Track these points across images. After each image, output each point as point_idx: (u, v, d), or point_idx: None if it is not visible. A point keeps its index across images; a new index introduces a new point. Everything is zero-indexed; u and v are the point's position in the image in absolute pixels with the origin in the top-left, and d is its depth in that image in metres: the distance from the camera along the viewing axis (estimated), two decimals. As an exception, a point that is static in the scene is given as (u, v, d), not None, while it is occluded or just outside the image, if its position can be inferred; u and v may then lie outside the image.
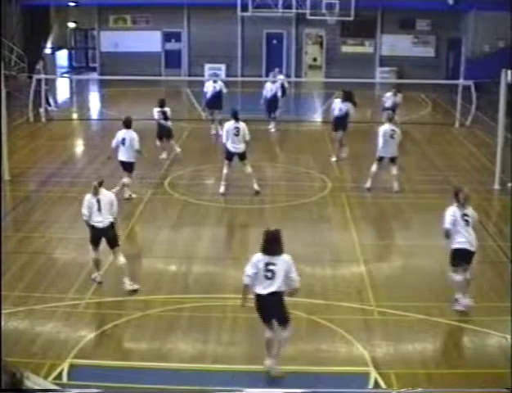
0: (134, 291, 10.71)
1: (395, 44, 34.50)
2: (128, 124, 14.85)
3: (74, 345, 9.13)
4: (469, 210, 10.20)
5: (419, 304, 10.44)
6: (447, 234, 10.14)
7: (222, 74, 33.83)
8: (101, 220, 10.71)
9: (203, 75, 33.63)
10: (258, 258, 8.36)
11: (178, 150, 18.14)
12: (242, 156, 15.34)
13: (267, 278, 8.26)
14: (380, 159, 15.74)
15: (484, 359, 9.08)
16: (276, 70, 23.50)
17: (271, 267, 8.26)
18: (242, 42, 34.93)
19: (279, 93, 21.85)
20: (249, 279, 8.37)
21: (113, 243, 10.89)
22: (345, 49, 35.10)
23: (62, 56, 36.53)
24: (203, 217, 14.41)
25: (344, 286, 11.22)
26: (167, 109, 18.10)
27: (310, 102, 30.14)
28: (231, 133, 15.16)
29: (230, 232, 14.18)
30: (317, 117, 25.70)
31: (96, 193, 10.74)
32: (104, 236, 10.82)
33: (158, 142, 18.01)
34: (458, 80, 26.62)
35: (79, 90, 31.59)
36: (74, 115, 26.60)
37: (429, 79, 28.68)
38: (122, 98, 28.46)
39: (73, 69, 37.46)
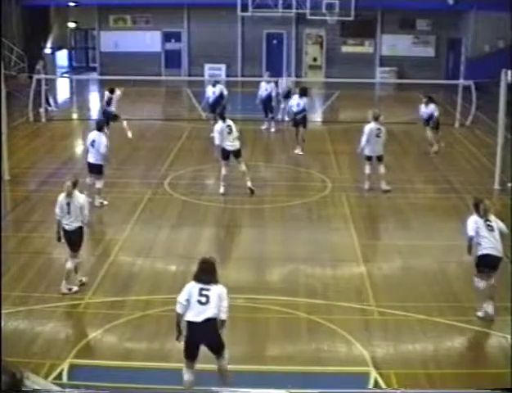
0: (63, 294, 10.54)
1: (395, 44, 34.48)
2: (99, 127, 14.85)
3: (74, 345, 9.14)
4: (492, 218, 10.10)
5: (419, 304, 10.44)
6: (471, 242, 10.03)
7: (223, 74, 33.86)
8: (68, 223, 10.65)
9: (203, 75, 33.64)
10: (192, 285, 7.94)
11: (130, 134, 19.31)
12: (238, 154, 15.34)
13: (201, 304, 7.78)
14: (368, 158, 15.67)
15: (484, 359, 9.09)
16: (268, 73, 23.53)
17: (205, 292, 7.83)
18: (242, 42, 34.91)
19: (273, 93, 21.84)
20: (181, 307, 7.83)
21: (73, 248, 10.75)
22: (345, 49, 35.09)
23: (62, 56, 36.50)
24: (203, 217, 14.41)
25: (344, 286, 11.22)
26: (115, 95, 19.63)
27: (310, 102, 30.10)
28: (224, 133, 15.18)
29: (230, 232, 14.17)
30: (317, 117, 25.69)
31: (68, 195, 10.64)
32: (69, 238, 10.74)
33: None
34: (458, 80, 26.61)
35: (79, 90, 31.58)
36: (74, 115, 26.60)
37: (429, 79, 28.65)
38: (122, 98, 28.39)
39: (73, 69, 37.44)
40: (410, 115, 24.95)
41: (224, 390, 7.35)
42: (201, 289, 7.84)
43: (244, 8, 32.17)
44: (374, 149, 15.56)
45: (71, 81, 33.17)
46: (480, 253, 9.96)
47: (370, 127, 15.56)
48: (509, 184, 15.86)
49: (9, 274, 11.14)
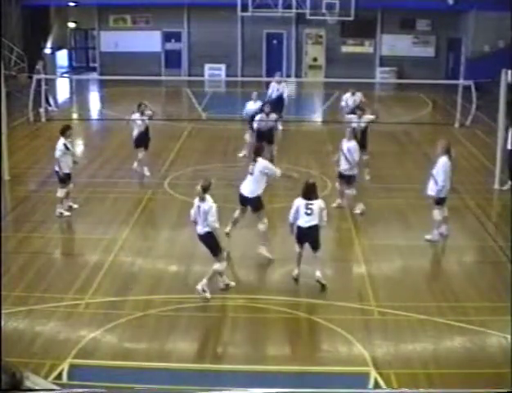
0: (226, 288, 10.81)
1: (395, 44, 34.50)
2: (61, 132, 14.06)
3: (74, 345, 9.14)
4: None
5: (419, 304, 10.45)
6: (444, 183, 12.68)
7: (223, 74, 33.88)
8: (197, 228, 10.72)
9: (203, 75, 33.67)
10: (300, 200, 10.96)
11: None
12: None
13: (307, 215, 10.84)
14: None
15: (484, 359, 9.08)
16: (279, 73, 23.69)
17: (310, 206, 10.86)
18: (242, 42, 34.92)
19: (285, 94, 21.60)
20: (292, 217, 10.98)
21: (211, 252, 10.68)
22: (345, 49, 35.11)
23: (62, 56, 36.51)
24: (203, 217, 14.37)
25: (344, 286, 11.23)
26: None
27: (310, 102, 30.15)
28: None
29: (230, 232, 14.13)
30: (317, 117, 25.70)
31: (201, 199, 10.53)
32: (203, 243, 10.77)
33: None
34: (458, 80, 26.61)
35: (79, 90, 31.58)
36: (74, 115, 26.59)
37: (429, 79, 28.65)
38: (122, 98, 28.45)
39: (73, 69, 37.45)
40: (411, 115, 24.99)
41: (224, 391, 7.35)
42: (307, 204, 10.89)
43: (244, 8, 32.17)
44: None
45: (71, 81, 33.15)
46: (444, 195, 12.61)
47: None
48: (510, 183, 15.86)
49: (9, 274, 11.13)
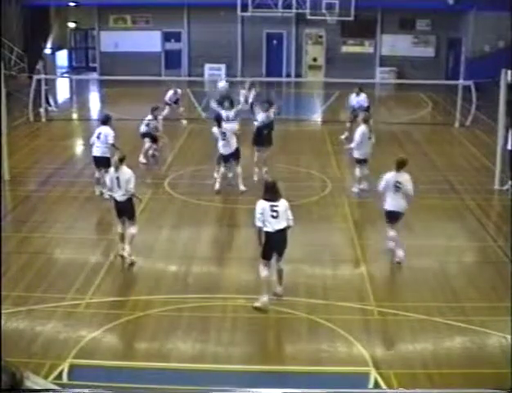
0: (131, 265, 11.64)
1: (395, 44, 34.51)
2: (104, 121, 15.21)
3: (74, 345, 9.14)
4: (404, 177, 12.19)
5: (419, 304, 10.45)
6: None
7: (222, 74, 33.89)
8: (119, 196, 11.66)
9: (203, 75, 33.68)
10: (263, 203, 10.14)
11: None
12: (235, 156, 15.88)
13: (273, 218, 10.06)
14: (360, 161, 15.56)
15: (484, 359, 9.08)
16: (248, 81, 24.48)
17: (275, 208, 10.08)
18: (242, 42, 34.94)
19: (250, 99, 22.10)
20: (259, 222, 10.07)
21: (128, 217, 11.84)
22: (345, 49, 35.13)
23: (62, 56, 36.53)
24: (203, 217, 14.41)
25: (344, 286, 11.22)
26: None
27: (310, 102, 30.15)
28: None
29: (230, 232, 14.16)
30: (317, 117, 25.69)
31: (116, 169, 11.58)
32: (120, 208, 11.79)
33: None
34: (458, 80, 26.62)
35: (79, 90, 31.57)
36: (74, 115, 26.59)
37: (429, 79, 28.66)
38: (122, 98, 28.45)
39: (73, 69, 37.46)
40: (410, 115, 25.00)
41: (224, 391, 7.36)
42: (271, 206, 10.11)
43: (244, 8, 32.20)
44: (366, 152, 15.47)
45: (71, 81, 33.14)
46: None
47: (362, 130, 15.38)
48: (510, 182, 15.85)
49: (9, 274, 11.14)
